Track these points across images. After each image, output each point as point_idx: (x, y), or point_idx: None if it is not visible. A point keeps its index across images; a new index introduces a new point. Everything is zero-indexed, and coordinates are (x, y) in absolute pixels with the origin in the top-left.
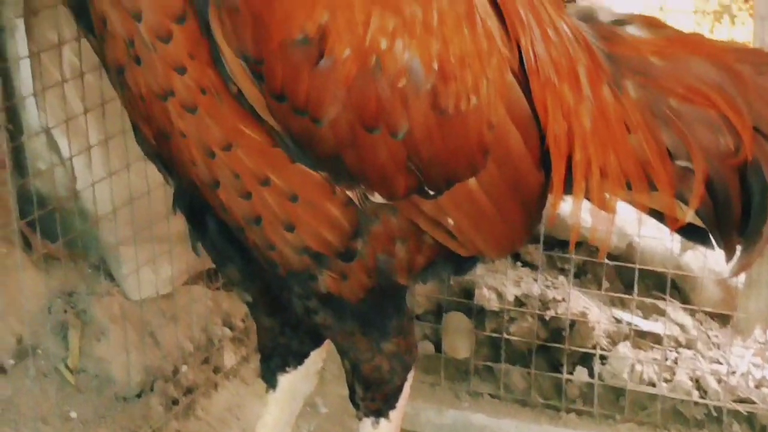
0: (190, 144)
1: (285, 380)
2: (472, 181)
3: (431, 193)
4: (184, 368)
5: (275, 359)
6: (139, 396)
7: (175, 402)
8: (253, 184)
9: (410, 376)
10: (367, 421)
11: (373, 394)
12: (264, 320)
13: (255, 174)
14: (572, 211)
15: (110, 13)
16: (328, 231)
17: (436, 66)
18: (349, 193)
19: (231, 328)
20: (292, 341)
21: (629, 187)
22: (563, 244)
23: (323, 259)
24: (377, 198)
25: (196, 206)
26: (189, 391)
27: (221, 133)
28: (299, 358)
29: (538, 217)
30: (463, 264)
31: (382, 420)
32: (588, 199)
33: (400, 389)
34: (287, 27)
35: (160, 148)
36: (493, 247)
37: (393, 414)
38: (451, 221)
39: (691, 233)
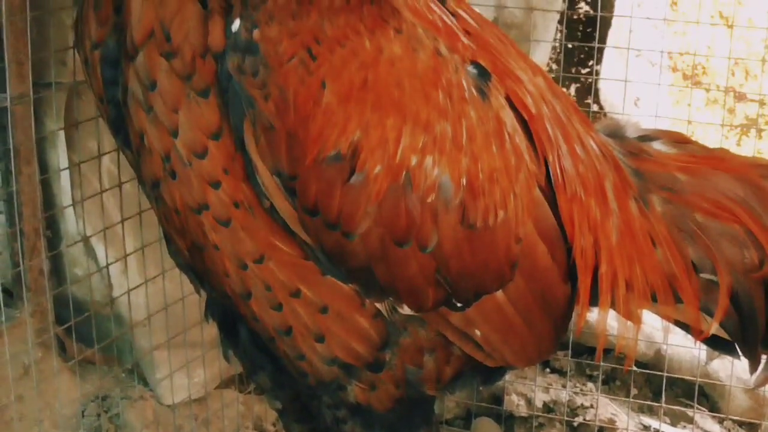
0: (224, 256)
1: None
2: (499, 294)
3: (459, 305)
4: None
5: None
6: None
7: None
8: (285, 296)
9: None
10: None
11: None
12: (294, 427)
13: (286, 286)
14: (599, 319)
15: (148, 128)
16: (357, 342)
17: (464, 182)
18: (378, 305)
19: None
20: None
21: (655, 300)
22: (591, 351)
23: (352, 369)
24: (406, 310)
25: (228, 315)
26: None
27: (254, 246)
28: None
29: (564, 328)
30: (491, 374)
31: None
32: (614, 310)
33: None
34: (321, 144)
35: (194, 259)
36: (520, 357)
37: None
38: (478, 333)
39: (717, 343)
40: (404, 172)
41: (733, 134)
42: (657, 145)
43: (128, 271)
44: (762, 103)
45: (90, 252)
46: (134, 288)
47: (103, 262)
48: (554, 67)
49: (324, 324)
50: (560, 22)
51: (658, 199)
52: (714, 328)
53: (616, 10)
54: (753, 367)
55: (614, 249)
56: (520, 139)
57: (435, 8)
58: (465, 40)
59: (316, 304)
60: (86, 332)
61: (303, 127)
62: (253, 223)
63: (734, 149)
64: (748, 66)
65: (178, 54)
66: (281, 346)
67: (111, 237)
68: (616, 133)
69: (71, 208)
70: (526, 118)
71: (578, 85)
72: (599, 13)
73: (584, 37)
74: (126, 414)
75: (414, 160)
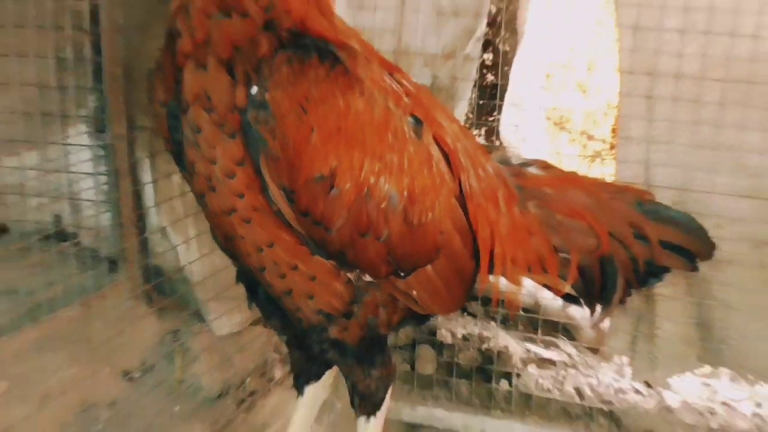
0: (246, 243)
1: (309, 390)
2: (429, 268)
3: (402, 275)
4: (248, 379)
5: (302, 377)
6: (218, 398)
7: (243, 401)
8: (287, 269)
9: (390, 389)
10: (362, 419)
11: (365, 402)
12: (294, 352)
13: (288, 262)
14: (494, 282)
15: (196, 159)
16: (335, 300)
17: (406, 194)
18: (349, 275)
19: (278, 353)
20: (312, 366)
21: (530, 270)
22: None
23: (332, 318)
24: (367, 278)
25: (251, 280)
26: (251, 393)
27: (266, 236)
28: (317, 377)
29: (472, 289)
30: (423, 319)
31: (372, 418)
32: (504, 277)
33: (383, 399)
34: (310, 169)
35: (227, 244)
36: (443, 308)
37: (378, 414)
38: (415, 293)
39: (569, 298)
40: (366, 188)
41: (586, 162)
42: (532, 170)
43: (190, 249)
44: (604, 142)
45: (165, 237)
46: (194, 260)
47: (174, 243)
48: (470, 115)
49: (313, 288)
50: (474, 87)
51: (533, 204)
52: (567, 288)
53: (511, 80)
54: (592, 313)
55: (504, 238)
56: (443, 166)
57: (386, 78)
58: (406, 99)
59: (307, 274)
60: (164, 289)
61: (298, 158)
62: (266, 221)
63: (586, 171)
64: (595, 117)
65: (215, 110)
66: (285, 302)
67: (179, 227)
68: (505, 161)
69: (154, 208)
70: (447, 152)
71: (486, 127)
72: (499, 82)
73: (490, 97)
74: (190, 342)
75: (372, 180)
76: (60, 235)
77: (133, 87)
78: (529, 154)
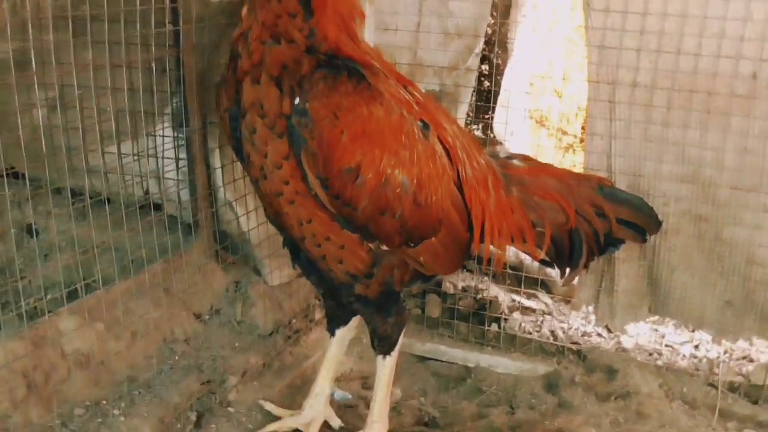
0: (291, 219)
1: (339, 331)
2: (433, 239)
3: (412, 245)
4: (294, 320)
5: (333, 321)
6: (270, 335)
7: (289, 337)
8: (322, 240)
9: (402, 333)
10: (380, 357)
11: (383, 343)
12: (328, 302)
13: (323, 234)
14: (485, 247)
15: (252, 153)
16: (360, 263)
17: (415, 182)
18: (370, 245)
19: (318, 300)
20: (342, 313)
21: (513, 240)
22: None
23: (357, 278)
24: (384, 247)
25: (294, 246)
26: (296, 331)
27: (306, 214)
28: (346, 322)
29: (467, 255)
30: (429, 279)
31: (388, 357)
32: (492, 245)
33: (397, 340)
34: (341, 163)
35: (276, 219)
36: (444, 270)
37: (393, 353)
38: (422, 259)
39: (544, 262)
40: (384, 177)
41: (561, 152)
42: (515, 161)
43: (250, 219)
44: (575, 136)
45: (231, 209)
46: (253, 228)
47: (237, 214)
48: (470, 114)
49: (342, 254)
50: (473, 92)
51: (515, 189)
52: (542, 254)
53: (502, 86)
54: (561, 274)
55: (492, 214)
56: (444, 159)
57: (401, 90)
58: (416, 107)
59: (338, 243)
60: (231, 249)
61: (331, 154)
62: (306, 202)
63: (560, 160)
64: (568, 117)
65: (267, 115)
66: (320, 265)
67: (241, 202)
68: (494, 154)
69: (222, 187)
70: (448, 148)
71: (483, 123)
72: (493, 89)
73: (486, 100)
74: (249, 290)
75: (389, 171)
76: (149, 206)
77: (205, 92)
78: (515, 146)
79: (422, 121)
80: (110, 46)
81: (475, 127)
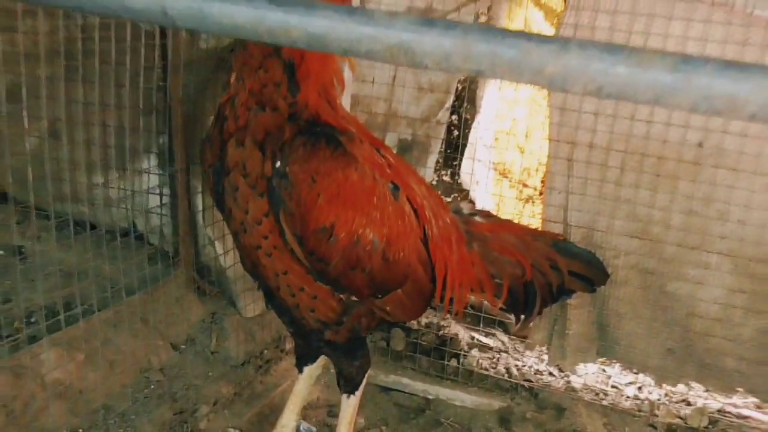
0: (268, 270)
1: (307, 369)
2: (399, 291)
3: (379, 296)
4: (265, 351)
5: (302, 359)
6: (242, 365)
7: (260, 367)
8: (296, 290)
9: (366, 375)
10: (344, 396)
11: (348, 384)
12: (298, 341)
13: (297, 285)
14: (447, 296)
15: (233, 208)
16: (331, 312)
17: (385, 240)
18: (341, 296)
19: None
20: (310, 353)
21: (473, 291)
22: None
23: (327, 325)
24: (354, 298)
25: (268, 292)
26: (267, 361)
27: (282, 266)
28: (314, 359)
29: (430, 303)
30: (394, 324)
31: (352, 396)
32: (453, 296)
33: (361, 381)
34: (317, 223)
35: (253, 269)
36: (407, 318)
37: (357, 392)
38: (388, 308)
39: (502, 309)
40: (356, 236)
41: (521, 203)
42: (477, 218)
43: (228, 256)
44: (535, 189)
45: (213, 247)
46: (231, 266)
47: (219, 252)
48: (440, 160)
49: (315, 304)
50: (443, 143)
51: (477, 244)
52: (500, 304)
53: (469, 140)
54: (516, 321)
55: (454, 269)
56: (412, 218)
57: (375, 153)
58: (388, 170)
59: (311, 294)
60: (210, 282)
61: (308, 215)
62: (283, 256)
63: (521, 210)
64: (529, 171)
65: (249, 176)
66: (293, 312)
67: (221, 241)
68: (458, 210)
69: (205, 228)
70: (417, 207)
71: (451, 170)
72: (461, 142)
73: (453, 151)
74: (224, 322)
75: (360, 231)
76: (132, 235)
77: (191, 133)
78: (480, 195)
79: (393, 183)
80: (101, 84)
81: (444, 173)
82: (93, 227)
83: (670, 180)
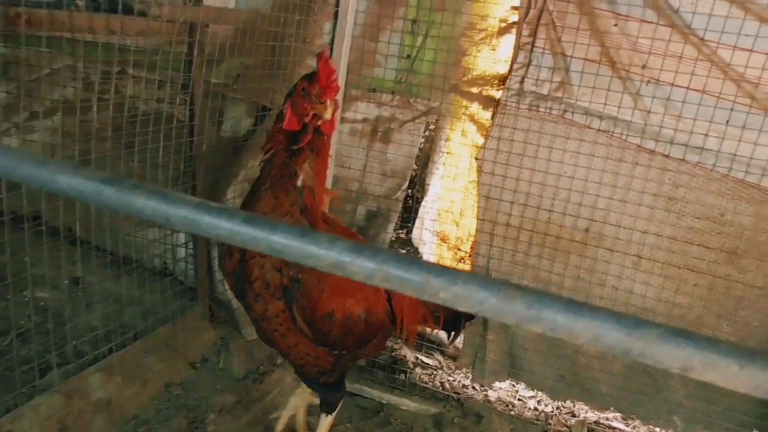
0: (281, 344)
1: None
2: (374, 341)
3: (362, 348)
4: (261, 366)
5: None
6: (243, 378)
7: (257, 379)
8: (303, 355)
9: (342, 400)
10: (323, 415)
11: (329, 407)
12: (295, 375)
13: (304, 351)
14: (403, 332)
15: (254, 305)
16: (328, 365)
17: (367, 313)
18: (336, 352)
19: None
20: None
21: (420, 324)
22: (405, 339)
23: (324, 373)
24: (344, 353)
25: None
26: (263, 373)
27: (293, 341)
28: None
29: (388, 339)
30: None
31: (330, 415)
32: (405, 328)
33: (338, 405)
34: (322, 311)
35: (268, 342)
36: (377, 354)
37: (334, 412)
38: (366, 353)
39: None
40: (348, 314)
41: (456, 262)
42: None
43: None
44: (465, 253)
45: (223, 285)
46: (232, 296)
47: (226, 288)
48: (398, 223)
49: (317, 362)
50: (400, 214)
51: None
52: (438, 328)
53: (419, 213)
54: (449, 339)
55: (408, 312)
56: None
57: None
58: None
59: (314, 356)
60: (221, 313)
61: (315, 306)
62: (294, 334)
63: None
64: (462, 239)
65: (270, 287)
66: (299, 369)
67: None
68: None
69: (218, 270)
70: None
71: (405, 230)
72: (413, 215)
73: (408, 216)
74: (231, 345)
75: (351, 310)
76: (164, 270)
77: (212, 194)
78: (425, 253)
79: None
80: (141, 161)
81: (401, 232)
82: (136, 262)
83: (564, 254)
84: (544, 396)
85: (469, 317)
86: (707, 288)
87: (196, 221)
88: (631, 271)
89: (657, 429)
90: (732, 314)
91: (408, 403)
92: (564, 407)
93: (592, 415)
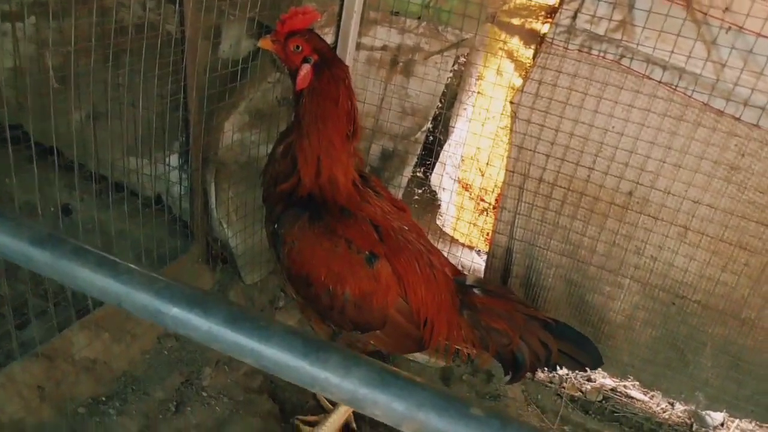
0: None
1: None
2: (378, 331)
3: (360, 332)
4: (263, 311)
5: None
6: None
7: None
8: (303, 308)
9: None
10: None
11: None
12: None
13: (303, 304)
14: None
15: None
16: (324, 335)
17: (357, 293)
18: (334, 327)
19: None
20: None
21: (462, 346)
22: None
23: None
24: (336, 329)
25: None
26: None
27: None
28: None
29: (423, 345)
30: (387, 356)
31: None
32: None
33: None
34: (297, 273)
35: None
36: (399, 352)
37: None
38: (372, 342)
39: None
40: (328, 289)
41: (477, 213)
42: (476, 290)
43: (237, 238)
44: (490, 204)
45: (221, 225)
46: (237, 244)
47: (229, 235)
48: (417, 161)
49: (312, 325)
50: (418, 158)
51: (467, 312)
52: (489, 359)
53: (440, 157)
54: (505, 374)
55: (442, 327)
56: (391, 281)
57: (367, 230)
58: (379, 244)
59: (308, 317)
60: (218, 256)
61: (290, 265)
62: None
63: (477, 219)
64: (487, 189)
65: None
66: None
67: (232, 226)
68: (460, 281)
69: (215, 209)
70: (401, 277)
71: (424, 168)
72: (433, 159)
73: (427, 155)
74: (229, 289)
75: (331, 285)
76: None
77: (206, 136)
78: (444, 198)
79: (371, 252)
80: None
81: (418, 170)
82: (132, 192)
83: (601, 217)
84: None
85: (538, 362)
86: (759, 269)
87: (160, 314)
88: (675, 243)
89: (676, 403)
90: None
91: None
92: (580, 372)
93: (609, 382)
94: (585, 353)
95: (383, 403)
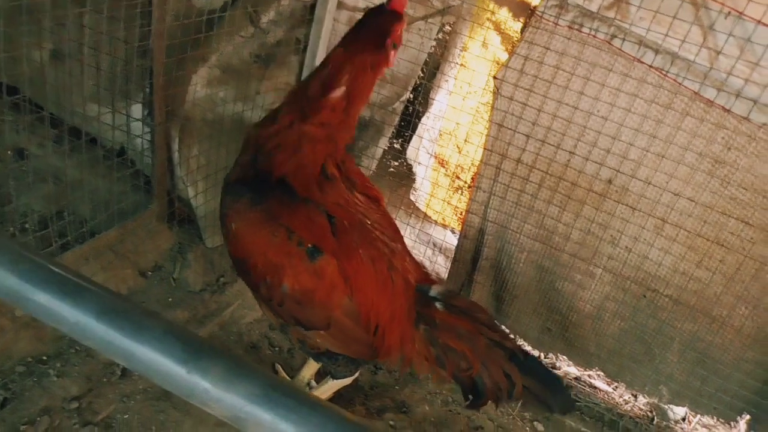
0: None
1: None
2: (322, 332)
3: (305, 330)
4: (222, 277)
5: None
6: (200, 291)
7: (215, 291)
8: (252, 288)
9: (347, 378)
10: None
11: (333, 375)
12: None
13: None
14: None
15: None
16: (273, 320)
17: (296, 287)
18: (280, 320)
19: None
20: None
21: (418, 360)
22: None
23: (279, 327)
24: (282, 318)
25: None
26: (224, 284)
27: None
28: None
29: (376, 352)
30: (354, 360)
31: (334, 381)
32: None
33: (342, 378)
34: (234, 254)
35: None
36: (351, 353)
37: (341, 381)
38: (318, 341)
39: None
40: (265, 278)
41: (452, 191)
42: (438, 304)
43: (199, 198)
44: (465, 183)
45: (184, 182)
46: (200, 204)
47: (191, 194)
48: (393, 132)
49: (262, 309)
50: (394, 129)
51: (423, 327)
52: (448, 377)
53: (417, 130)
54: (465, 399)
55: (395, 337)
56: (336, 280)
57: (321, 225)
58: (329, 239)
59: (258, 300)
60: (178, 215)
61: (229, 245)
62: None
63: (451, 197)
64: (463, 167)
65: None
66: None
67: (195, 185)
68: (423, 290)
69: (178, 166)
70: (349, 275)
71: (398, 147)
72: (410, 132)
73: (405, 127)
74: (188, 252)
75: (269, 276)
76: (123, 157)
77: (171, 88)
78: (420, 173)
79: (313, 246)
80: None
81: (395, 141)
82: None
83: (578, 204)
84: (526, 345)
85: (500, 392)
86: (735, 267)
87: (24, 300)
88: (651, 235)
89: (639, 395)
90: (756, 299)
91: None
92: (546, 359)
93: (573, 371)
94: (553, 395)
95: (268, 425)
